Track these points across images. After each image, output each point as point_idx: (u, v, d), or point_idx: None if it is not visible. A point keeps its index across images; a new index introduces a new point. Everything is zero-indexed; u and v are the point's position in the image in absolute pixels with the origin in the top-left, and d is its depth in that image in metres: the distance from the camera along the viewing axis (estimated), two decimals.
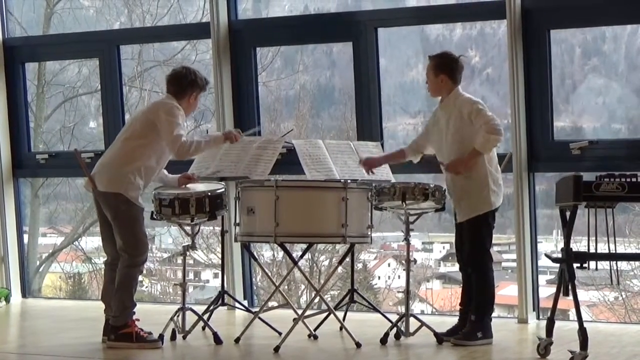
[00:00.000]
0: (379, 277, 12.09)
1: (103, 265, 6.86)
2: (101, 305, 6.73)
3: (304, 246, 7.27)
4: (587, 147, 7.71)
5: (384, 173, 7.24)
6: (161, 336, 6.63)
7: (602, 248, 5.91)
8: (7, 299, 9.28)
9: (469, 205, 6.64)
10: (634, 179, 5.71)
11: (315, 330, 6.92)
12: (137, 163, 6.47)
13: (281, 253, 10.54)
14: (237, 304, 7.75)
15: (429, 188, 6.62)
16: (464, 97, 6.66)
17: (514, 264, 8.26)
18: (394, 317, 6.85)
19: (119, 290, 6.49)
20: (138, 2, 11.26)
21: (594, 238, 5.81)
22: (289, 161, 7.90)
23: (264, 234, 6.61)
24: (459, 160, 6.58)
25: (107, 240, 6.66)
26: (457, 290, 6.98)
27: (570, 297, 5.90)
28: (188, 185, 6.90)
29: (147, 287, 12.55)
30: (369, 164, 7.06)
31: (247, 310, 7.68)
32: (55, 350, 6.54)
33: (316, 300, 7.59)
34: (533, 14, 7.81)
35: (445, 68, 6.69)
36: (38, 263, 11.82)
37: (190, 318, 6.84)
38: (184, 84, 6.66)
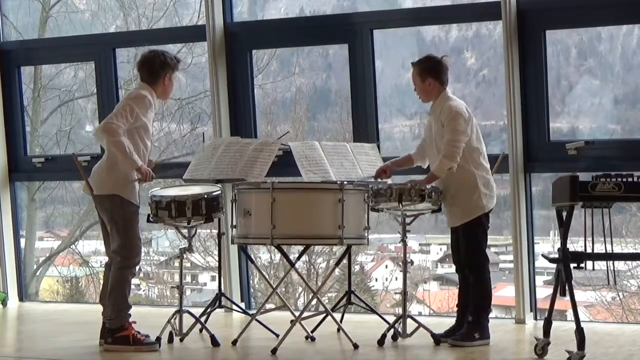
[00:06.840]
0: (376, 279, 12.09)
1: (100, 269, 6.86)
2: (99, 309, 6.73)
3: (301, 248, 7.26)
4: (583, 148, 7.71)
5: None
6: (158, 339, 6.62)
7: (599, 248, 5.90)
8: (4, 303, 9.27)
9: (461, 211, 6.64)
10: (630, 179, 5.72)
11: (312, 332, 6.92)
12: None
13: (278, 255, 10.54)
14: (234, 307, 7.75)
15: (425, 189, 6.59)
16: (449, 102, 6.61)
17: (511, 265, 8.26)
18: (391, 319, 6.85)
19: (112, 292, 6.50)
20: (134, 5, 11.26)
21: (590, 238, 5.82)
22: (285, 163, 7.89)
23: (261, 236, 6.61)
24: (417, 183, 6.58)
25: (108, 242, 6.66)
26: (455, 291, 6.97)
27: (568, 298, 5.90)
28: (186, 188, 6.89)
29: (144, 290, 12.55)
30: (384, 170, 7.04)
31: (245, 312, 7.68)
32: (53, 354, 6.53)
33: (313, 302, 7.59)
34: (528, 14, 7.81)
35: (431, 71, 6.67)
36: (35, 267, 11.80)
37: (188, 321, 6.83)
38: (155, 67, 6.58)
